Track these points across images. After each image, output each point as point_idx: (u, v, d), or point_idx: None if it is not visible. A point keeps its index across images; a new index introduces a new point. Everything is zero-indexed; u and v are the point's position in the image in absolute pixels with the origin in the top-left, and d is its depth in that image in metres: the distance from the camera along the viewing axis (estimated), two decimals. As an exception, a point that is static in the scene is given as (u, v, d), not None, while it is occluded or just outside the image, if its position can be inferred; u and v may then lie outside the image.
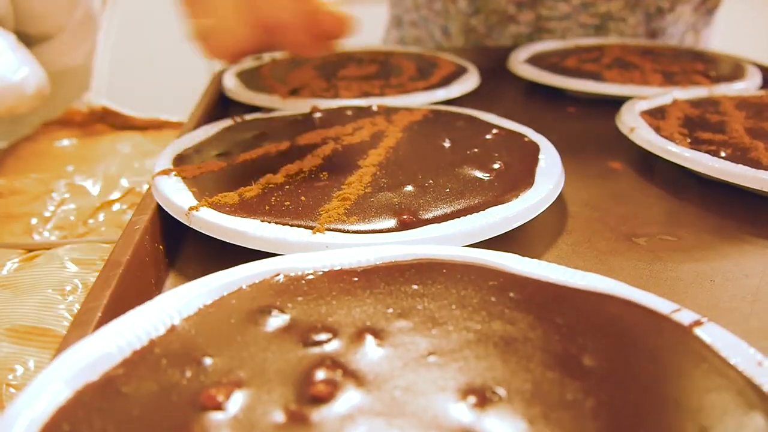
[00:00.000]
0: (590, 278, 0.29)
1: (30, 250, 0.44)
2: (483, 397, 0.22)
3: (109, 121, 0.70)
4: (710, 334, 0.26)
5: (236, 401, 0.22)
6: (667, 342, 0.25)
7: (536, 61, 0.73)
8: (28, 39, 0.69)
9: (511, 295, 0.28)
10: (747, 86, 0.63)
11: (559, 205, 0.43)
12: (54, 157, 0.61)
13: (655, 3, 0.86)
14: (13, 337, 0.34)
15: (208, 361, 0.24)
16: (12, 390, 0.31)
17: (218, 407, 0.22)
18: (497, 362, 0.24)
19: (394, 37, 0.99)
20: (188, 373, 0.24)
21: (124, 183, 0.54)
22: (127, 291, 0.32)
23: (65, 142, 0.65)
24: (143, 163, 0.59)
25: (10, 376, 0.32)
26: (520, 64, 0.72)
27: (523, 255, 0.31)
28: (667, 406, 0.22)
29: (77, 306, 0.36)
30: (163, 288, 0.36)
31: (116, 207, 0.50)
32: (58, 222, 0.48)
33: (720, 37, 0.96)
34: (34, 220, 0.48)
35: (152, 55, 1.87)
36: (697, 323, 0.26)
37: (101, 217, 0.49)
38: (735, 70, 0.68)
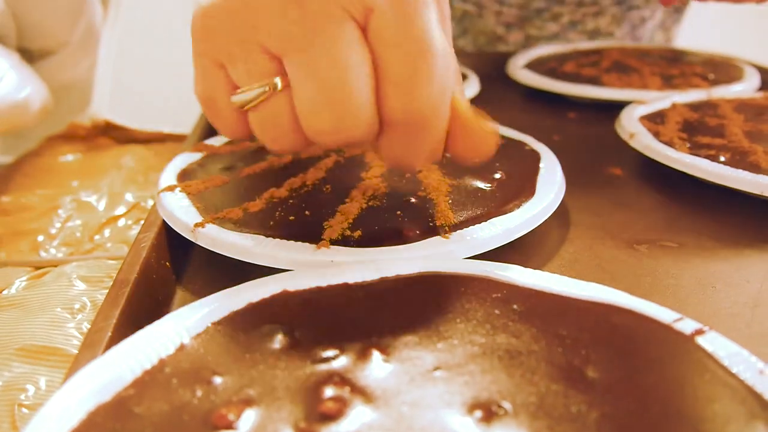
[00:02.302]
0: (592, 288, 0.30)
1: (38, 268, 0.44)
2: (489, 411, 0.23)
3: (112, 134, 0.70)
4: (712, 342, 0.26)
5: (247, 420, 0.23)
6: (670, 352, 0.26)
7: (535, 66, 0.74)
8: (30, 55, 0.70)
9: (515, 307, 0.29)
10: (745, 88, 0.63)
11: (561, 213, 0.43)
12: (59, 172, 0.62)
13: (639, 14, 0.87)
14: (23, 356, 0.34)
15: (218, 380, 0.25)
16: (24, 410, 0.31)
17: (229, 426, 0.23)
18: (502, 376, 0.24)
19: None
20: (199, 393, 0.24)
21: (129, 198, 0.55)
22: (136, 309, 0.32)
23: (69, 157, 0.65)
24: (147, 177, 0.60)
25: (22, 396, 0.32)
26: (519, 69, 0.72)
27: (525, 264, 0.32)
28: (670, 417, 0.22)
29: (86, 324, 0.37)
30: (171, 305, 0.36)
31: (122, 222, 0.51)
32: (65, 238, 0.49)
33: (721, 37, 0.97)
34: (40, 237, 0.49)
35: (154, 67, 1.87)
36: (699, 332, 0.27)
37: (107, 232, 0.49)
38: (733, 72, 0.68)
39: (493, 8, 0.85)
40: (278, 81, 0.29)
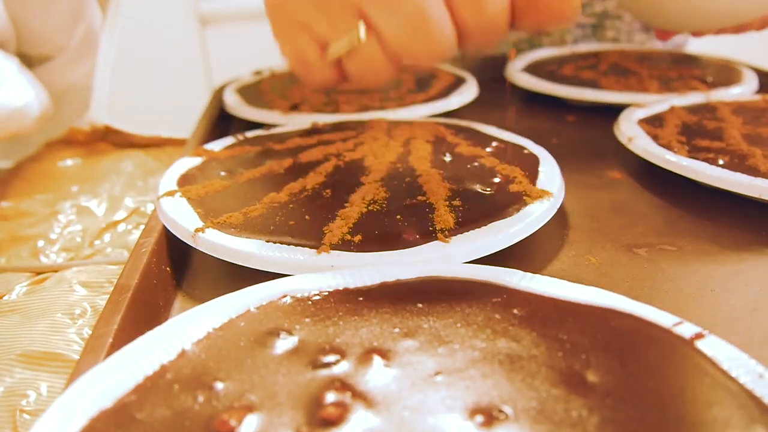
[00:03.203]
0: (592, 292, 0.30)
1: (38, 273, 0.44)
2: (490, 416, 0.23)
3: (111, 139, 0.71)
4: (711, 346, 0.26)
5: (249, 425, 0.23)
6: (670, 356, 0.26)
7: (534, 69, 0.74)
8: (29, 60, 0.70)
9: (515, 311, 0.29)
10: (743, 91, 0.64)
11: (560, 217, 0.43)
12: (58, 177, 0.62)
13: None
14: (24, 362, 0.34)
15: (219, 385, 0.25)
16: (26, 416, 0.31)
17: (231, 432, 0.23)
18: (503, 380, 0.25)
19: None
20: (200, 398, 0.24)
21: (129, 203, 0.55)
22: (137, 315, 0.32)
23: (69, 162, 0.65)
24: (147, 182, 0.60)
25: (24, 402, 0.32)
26: (517, 72, 0.73)
27: (525, 268, 0.32)
28: (670, 422, 0.22)
29: (87, 330, 0.37)
30: (172, 309, 0.36)
31: (122, 227, 0.51)
32: (65, 244, 0.49)
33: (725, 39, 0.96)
34: (41, 243, 0.49)
35: (153, 72, 1.87)
36: (699, 336, 0.27)
37: (107, 237, 0.50)
38: (731, 75, 0.69)
39: None
40: (362, 27, 0.34)
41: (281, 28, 0.38)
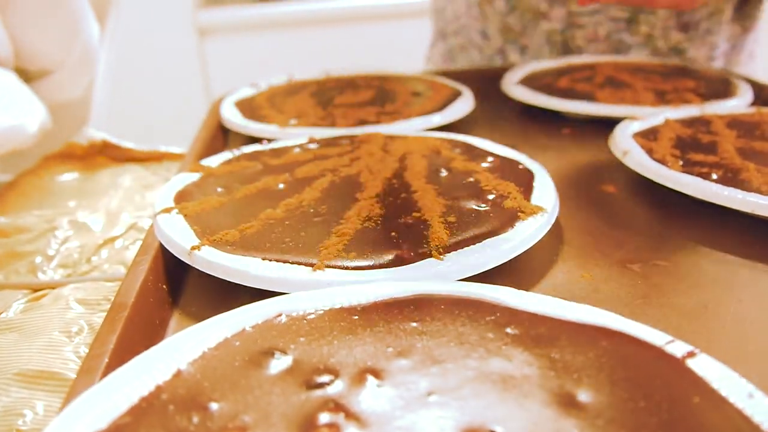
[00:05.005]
0: (585, 311, 0.30)
1: (35, 290, 0.44)
2: (482, 437, 0.23)
3: (109, 153, 0.71)
4: (702, 365, 0.26)
5: (242, 447, 0.23)
6: (661, 375, 0.26)
7: (529, 81, 0.74)
8: (27, 75, 0.70)
9: (508, 330, 0.29)
10: (738, 103, 0.64)
11: (555, 232, 0.44)
12: (56, 192, 0.62)
13: None
14: (21, 381, 0.35)
15: (214, 406, 0.25)
16: (22, 436, 0.31)
17: (225, 454, 0.23)
18: (496, 400, 0.25)
19: (440, 51, 1.01)
20: (195, 419, 0.24)
21: (126, 218, 0.55)
22: (133, 333, 0.32)
23: (67, 177, 0.66)
24: (144, 197, 0.60)
25: (20, 422, 0.32)
26: (513, 85, 0.73)
27: (518, 285, 0.32)
28: (661, 442, 0.23)
29: (83, 348, 0.37)
30: (168, 327, 0.37)
31: (119, 243, 0.51)
32: (62, 260, 0.49)
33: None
34: (38, 259, 0.49)
35: (151, 86, 1.88)
36: (690, 355, 0.27)
37: (104, 253, 0.50)
38: (726, 87, 0.69)
39: None
40: None
41: None
